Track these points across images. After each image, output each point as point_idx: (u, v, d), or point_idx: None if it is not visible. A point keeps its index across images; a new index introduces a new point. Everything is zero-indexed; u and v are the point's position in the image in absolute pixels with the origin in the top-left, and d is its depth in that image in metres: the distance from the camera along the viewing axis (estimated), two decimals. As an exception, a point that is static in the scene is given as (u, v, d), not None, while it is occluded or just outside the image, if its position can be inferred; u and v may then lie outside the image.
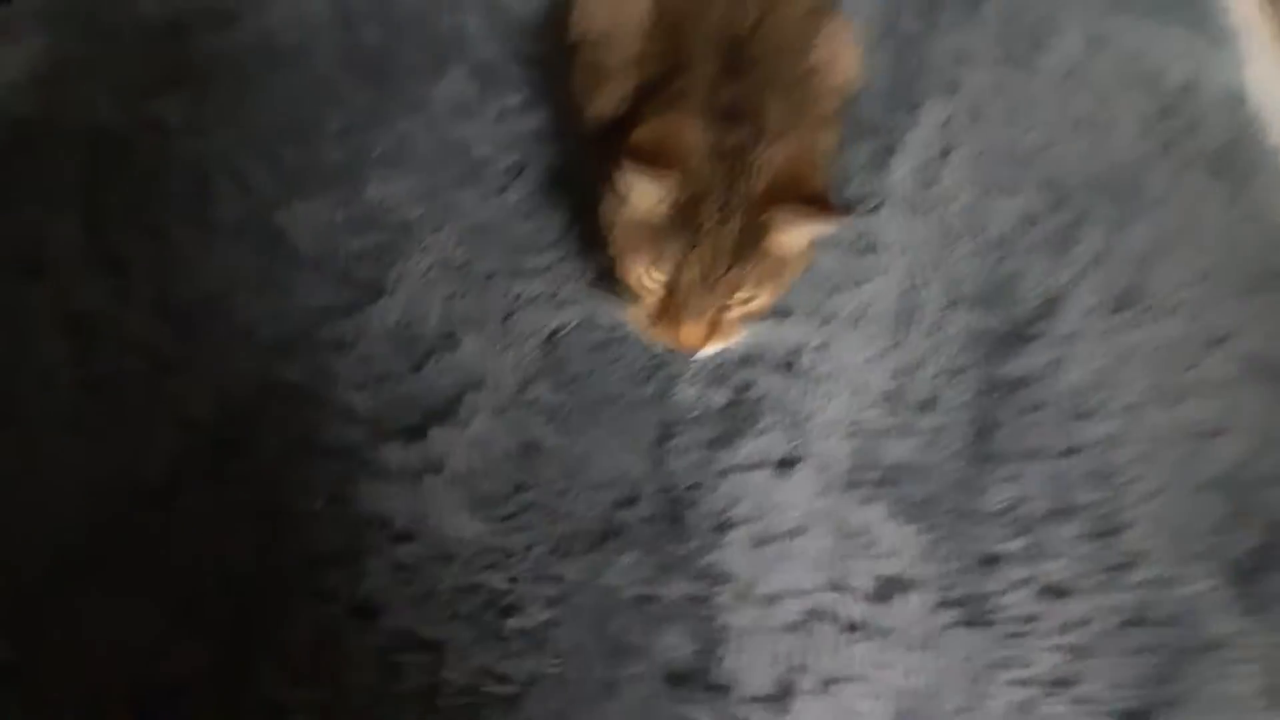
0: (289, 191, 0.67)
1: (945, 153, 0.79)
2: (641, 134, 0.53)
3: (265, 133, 0.70)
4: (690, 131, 0.54)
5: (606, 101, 0.62)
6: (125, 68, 0.71)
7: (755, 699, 0.58)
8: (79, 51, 0.71)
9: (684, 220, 0.53)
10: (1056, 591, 0.60)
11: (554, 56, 0.71)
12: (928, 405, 0.64)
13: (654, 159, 0.52)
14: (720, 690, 0.58)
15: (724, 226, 0.53)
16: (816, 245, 0.62)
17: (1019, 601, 0.60)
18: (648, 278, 0.55)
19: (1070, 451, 0.63)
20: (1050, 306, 0.71)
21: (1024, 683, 0.59)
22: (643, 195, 0.54)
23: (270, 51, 0.75)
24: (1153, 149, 0.85)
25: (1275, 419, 0.68)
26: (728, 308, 0.55)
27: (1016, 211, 0.76)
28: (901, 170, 0.77)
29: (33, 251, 0.61)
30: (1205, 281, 0.75)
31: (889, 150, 0.79)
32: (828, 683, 0.58)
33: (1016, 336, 0.69)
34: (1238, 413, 0.67)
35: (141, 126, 0.68)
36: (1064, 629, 0.60)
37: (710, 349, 0.56)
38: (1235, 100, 0.92)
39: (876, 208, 0.75)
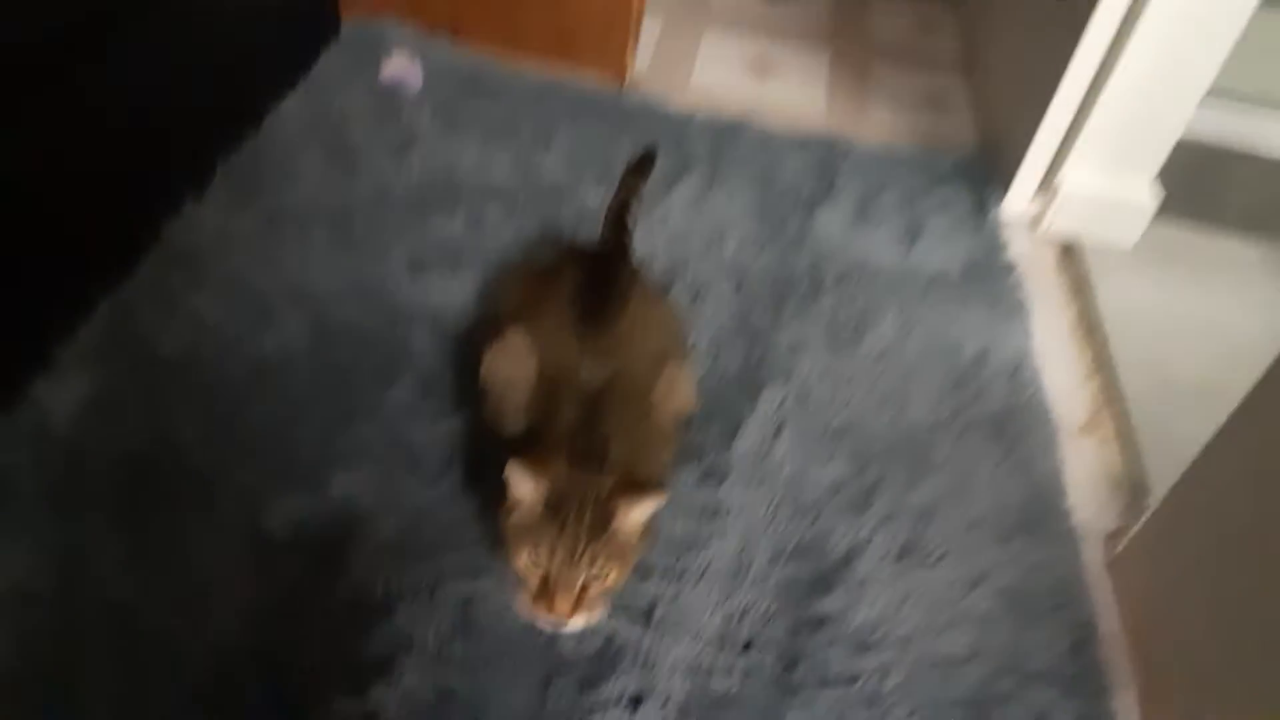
0: (271, 491, 0.89)
1: (778, 431, 1.04)
2: (522, 461, 0.76)
3: (253, 441, 0.94)
4: (556, 463, 0.78)
5: (509, 429, 0.86)
6: (150, 397, 0.95)
7: None
8: (116, 385, 0.95)
9: (552, 516, 0.76)
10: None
11: (477, 369, 0.95)
12: (749, 645, 0.86)
13: (532, 472, 0.76)
14: None
15: (581, 517, 0.76)
16: (675, 515, 0.86)
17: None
18: (529, 562, 0.77)
19: (852, 679, 0.84)
20: (850, 557, 0.93)
21: None
22: (523, 492, 0.77)
23: (261, 373, 1.00)
24: (944, 416, 1.09)
25: (1017, 645, 0.90)
26: (589, 585, 0.77)
27: (829, 479, 1.00)
28: (743, 447, 1.02)
29: (74, 552, 0.83)
30: (974, 530, 0.98)
31: (734, 430, 1.03)
32: None
33: (823, 583, 0.91)
34: (987, 641, 0.89)
35: (162, 445, 0.91)
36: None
37: (578, 622, 0.77)
38: (1018, 368, 1.18)
39: (722, 480, 0.98)
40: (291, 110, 1.34)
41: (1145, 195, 1.37)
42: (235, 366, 1.00)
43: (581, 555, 0.76)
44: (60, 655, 0.77)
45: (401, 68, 1.42)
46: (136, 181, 1.07)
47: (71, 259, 0.99)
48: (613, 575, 0.78)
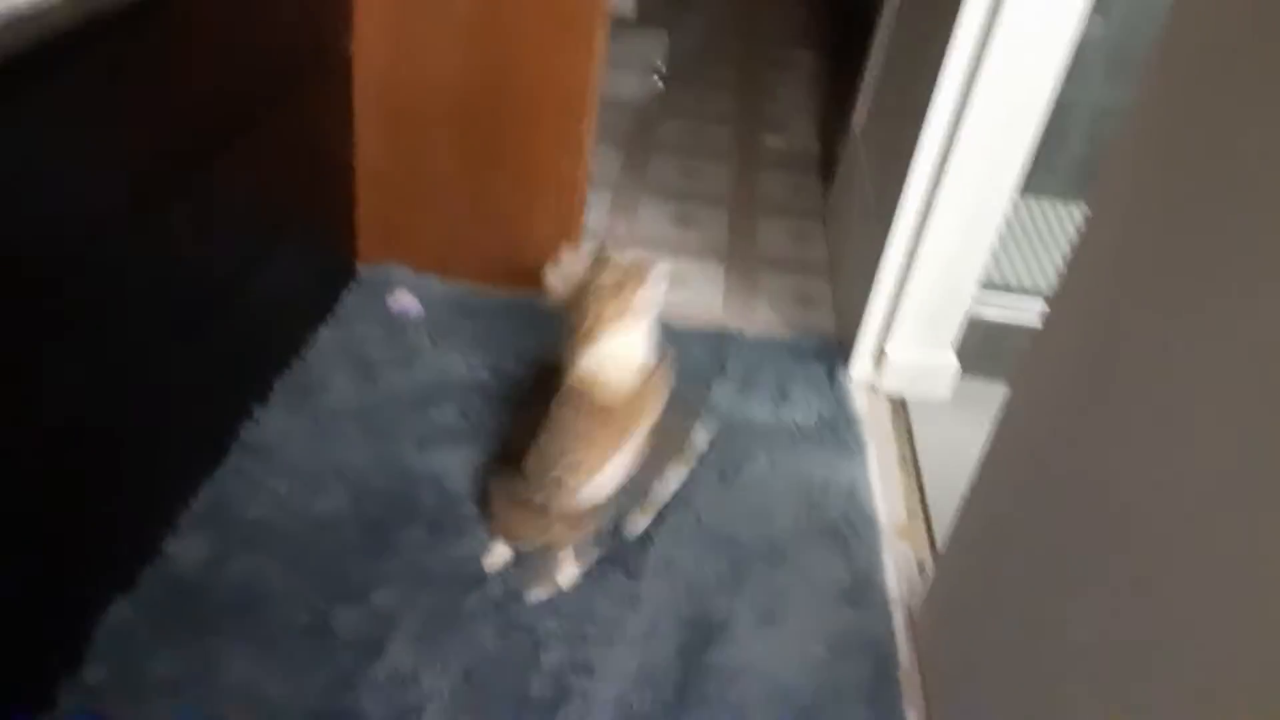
0: (332, 603, 1.33)
1: (679, 542, 1.49)
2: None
3: (317, 571, 1.38)
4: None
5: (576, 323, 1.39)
6: (245, 547, 1.40)
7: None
8: (220, 540, 1.40)
9: None
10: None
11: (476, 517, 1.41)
12: (657, 683, 1.29)
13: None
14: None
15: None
16: (607, 602, 1.31)
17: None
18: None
19: (724, 699, 1.27)
20: (725, 623, 1.37)
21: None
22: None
23: (320, 526, 1.45)
24: (798, 527, 1.56)
25: (838, 677, 1.33)
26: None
27: (714, 573, 1.45)
28: (654, 554, 1.46)
29: (214, 650, 1.26)
30: (814, 601, 1.43)
31: (649, 541, 1.48)
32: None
33: (707, 642, 1.35)
34: (819, 674, 1.32)
35: (257, 578, 1.36)
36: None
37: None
38: (854, 490, 1.65)
39: (640, 577, 1.43)
40: (324, 338, 1.84)
41: (950, 360, 1.88)
42: (301, 522, 1.45)
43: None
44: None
45: (405, 299, 1.94)
46: (221, 399, 1.55)
47: (184, 453, 1.46)
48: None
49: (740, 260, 2.30)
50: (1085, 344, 1.06)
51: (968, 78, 1.60)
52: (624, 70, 3.11)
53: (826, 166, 2.69)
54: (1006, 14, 1.52)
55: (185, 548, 1.38)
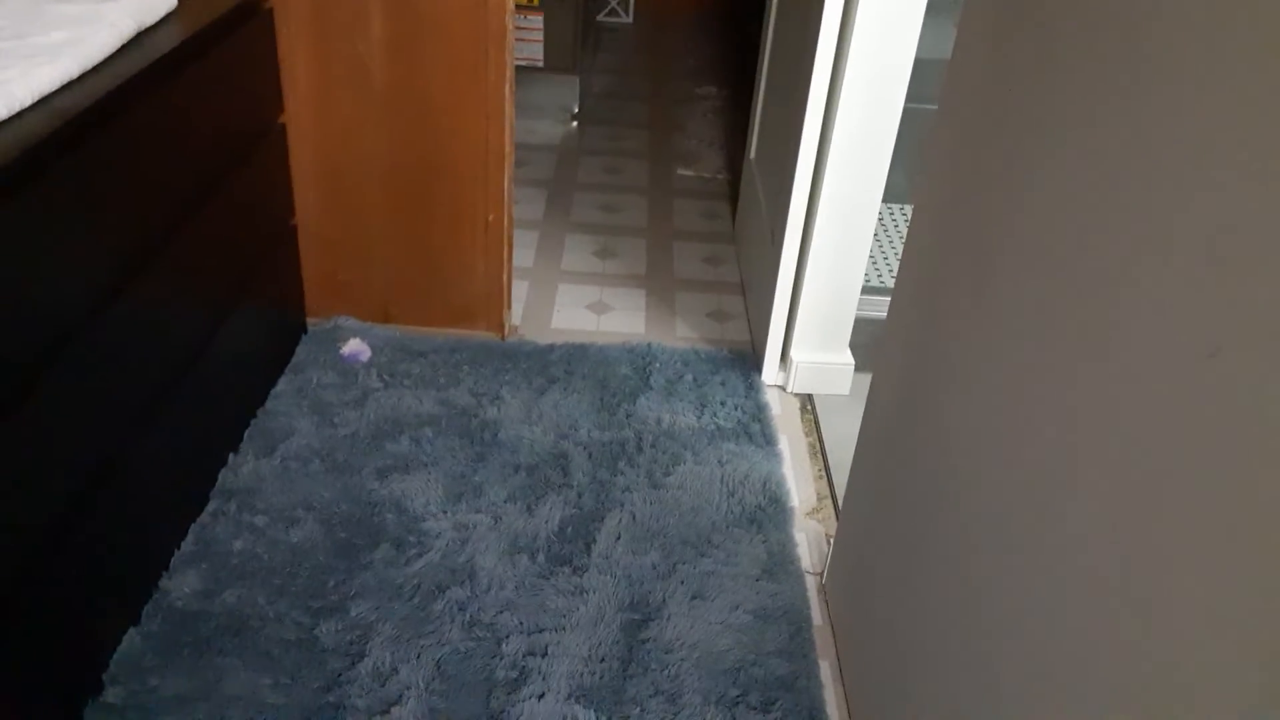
0: (315, 619, 1.52)
1: (617, 539, 1.70)
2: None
3: (300, 594, 1.56)
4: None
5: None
6: (233, 577, 1.58)
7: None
8: (209, 575, 1.58)
9: None
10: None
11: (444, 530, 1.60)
12: (604, 659, 1.49)
13: None
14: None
15: None
16: (558, 595, 1.51)
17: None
18: None
19: (664, 668, 1.48)
20: (661, 605, 1.58)
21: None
22: None
23: (296, 553, 1.63)
24: (720, 517, 1.78)
25: (761, 638, 1.54)
26: None
27: (649, 564, 1.66)
28: (596, 551, 1.67)
29: (218, 671, 1.43)
30: (737, 580, 1.64)
31: (590, 543, 1.69)
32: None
33: (646, 621, 1.56)
34: (742, 638, 1.54)
35: (247, 604, 1.53)
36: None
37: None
38: (768, 480, 1.87)
39: (584, 573, 1.64)
40: (284, 387, 2.02)
41: (847, 358, 2.12)
42: (280, 551, 1.63)
43: None
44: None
45: (354, 346, 2.13)
46: (199, 451, 1.73)
47: (171, 502, 1.63)
48: None
49: (659, 284, 2.52)
50: (915, 327, 1.30)
51: (829, 101, 1.85)
52: (539, 116, 3.34)
53: (735, 193, 2.94)
54: (855, 42, 1.76)
55: (180, 583, 1.56)
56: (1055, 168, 0.93)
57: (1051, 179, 0.94)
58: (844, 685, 1.51)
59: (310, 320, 2.21)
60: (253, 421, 1.91)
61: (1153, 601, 0.72)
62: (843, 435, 2.01)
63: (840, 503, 1.85)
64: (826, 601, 1.64)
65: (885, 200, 2.00)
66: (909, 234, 1.33)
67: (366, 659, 1.47)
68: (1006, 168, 1.05)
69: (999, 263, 1.05)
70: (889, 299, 2.28)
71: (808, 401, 2.13)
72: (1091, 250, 0.85)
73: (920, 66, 1.85)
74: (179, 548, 1.62)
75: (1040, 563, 0.92)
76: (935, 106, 1.30)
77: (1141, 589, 0.74)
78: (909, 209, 2.70)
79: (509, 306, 2.26)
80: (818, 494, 1.89)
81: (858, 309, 2.08)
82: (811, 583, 1.68)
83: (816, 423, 2.06)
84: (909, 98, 1.87)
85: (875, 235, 2.00)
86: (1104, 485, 0.81)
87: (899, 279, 1.37)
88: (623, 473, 1.86)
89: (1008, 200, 1.04)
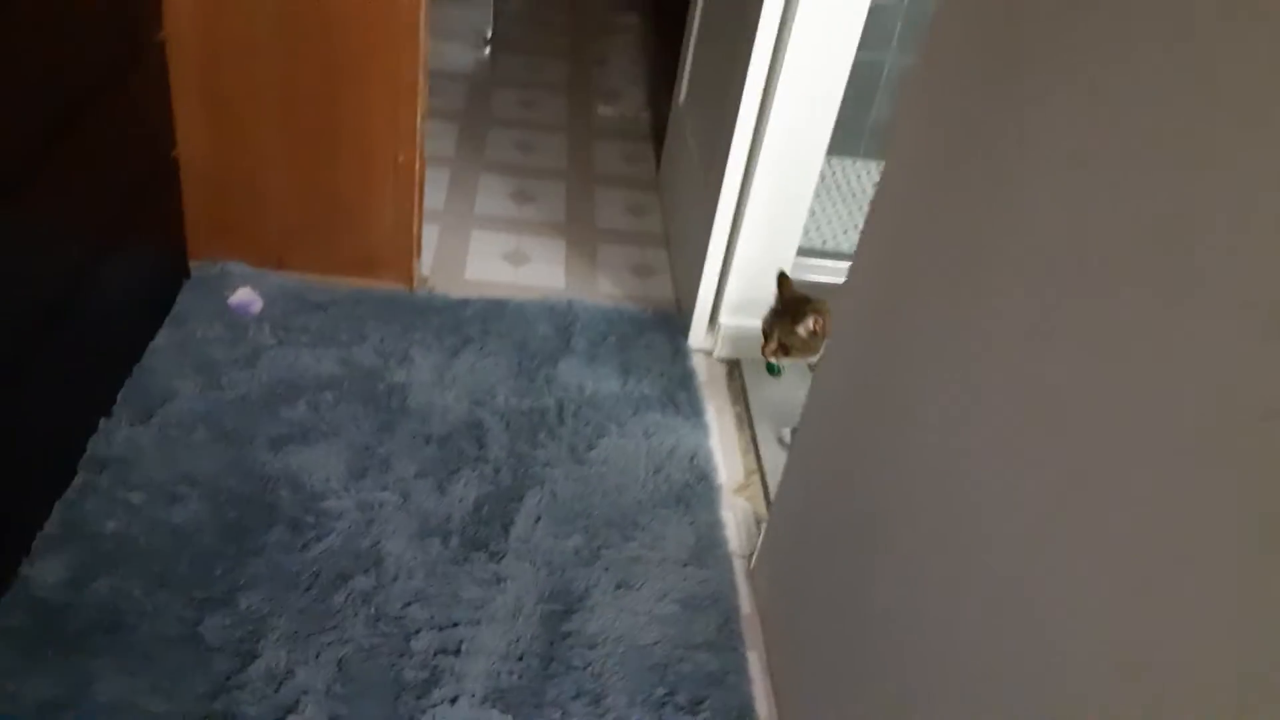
0: (201, 612, 1.37)
1: (537, 521, 1.59)
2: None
3: (183, 582, 1.41)
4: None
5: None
6: (104, 563, 1.41)
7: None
8: (78, 559, 1.40)
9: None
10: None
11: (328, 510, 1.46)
12: (521, 656, 1.39)
13: None
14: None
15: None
16: (472, 585, 1.39)
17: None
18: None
19: (586, 665, 1.38)
20: (584, 594, 1.48)
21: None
22: None
23: (179, 536, 1.47)
24: (646, 495, 1.68)
25: (688, 630, 1.46)
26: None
27: (571, 547, 1.56)
28: (514, 534, 1.56)
29: (81, 670, 1.27)
30: (663, 565, 1.56)
31: (509, 525, 1.57)
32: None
33: (568, 612, 1.46)
34: (669, 630, 1.46)
35: (120, 596, 1.37)
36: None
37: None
38: (696, 454, 1.78)
39: (501, 558, 1.52)
40: (162, 341, 1.82)
41: (777, 324, 2.03)
42: (160, 534, 1.47)
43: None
44: None
45: (244, 295, 1.93)
46: (64, 415, 1.53)
47: (31, 475, 1.44)
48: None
49: (580, 234, 2.38)
50: (877, 306, 1.21)
51: (776, 47, 1.71)
52: (452, 41, 3.10)
53: (659, 135, 2.79)
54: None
55: (43, 570, 1.38)
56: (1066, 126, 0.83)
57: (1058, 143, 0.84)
58: (771, 679, 1.45)
59: (193, 264, 1.99)
60: (127, 381, 1.71)
61: (1085, 599, 0.66)
62: (771, 407, 1.93)
63: (767, 479, 1.77)
64: (755, 589, 1.57)
65: (830, 154, 1.90)
66: (875, 198, 1.22)
67: (259, 659, 1.33)
68: (1000, 135, 0.95)
69: (982, 241, 0.96)
70: (827, 262, 2.22)
71: (735, 368, 2.03)
72: (1090, 244, 0.76)
73: (876, 12, 1.74)
74: (42, 528, 1.44)
75: (984, 560, 0.85)
76: (889, 57, 1.19)
77: (1106, 580, 0.67)
78: (853, 163, 2.60)
79: (419, 255, 2.09)
80: (745, 468, 1.81)
81: (792, 272, 1.98)
82: (739, 566, 1.61)
83: (744, 391, 1.97)
84: (861, 45, 1.75)
85: (815, 192, 1.89)
86: (1055, 477, 0.77)
87: (859, 251, 1.27)
88: (543, 445, 1.74)
89: (998, 174, 0.95)
